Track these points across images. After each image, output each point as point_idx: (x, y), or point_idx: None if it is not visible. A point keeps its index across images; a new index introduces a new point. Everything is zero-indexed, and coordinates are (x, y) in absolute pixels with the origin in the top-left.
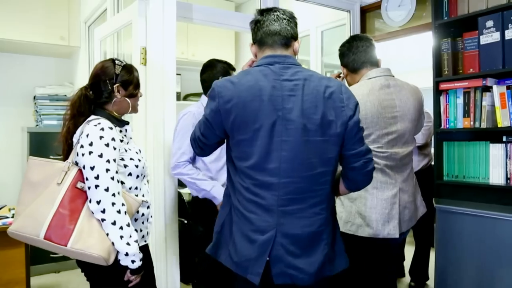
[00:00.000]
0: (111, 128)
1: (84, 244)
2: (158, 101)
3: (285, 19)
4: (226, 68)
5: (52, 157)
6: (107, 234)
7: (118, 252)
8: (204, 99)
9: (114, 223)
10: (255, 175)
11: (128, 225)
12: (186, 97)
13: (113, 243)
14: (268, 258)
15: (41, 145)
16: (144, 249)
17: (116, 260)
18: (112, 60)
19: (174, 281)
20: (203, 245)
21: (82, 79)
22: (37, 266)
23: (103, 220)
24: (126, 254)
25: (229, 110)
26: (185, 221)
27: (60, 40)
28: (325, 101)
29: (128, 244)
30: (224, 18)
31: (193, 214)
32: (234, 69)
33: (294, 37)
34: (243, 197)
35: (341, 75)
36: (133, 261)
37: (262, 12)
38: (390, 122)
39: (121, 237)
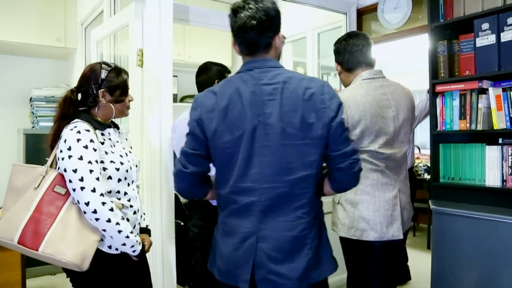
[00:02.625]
0: (88, 131)
1: (55, 249)
2: (155, 103)
3: (261, 21)
4: (221, 71)
5: (47, 158)
6: (104, 230)
7: (98, 255)
8: None
9: (109, 221)
10: (236, 182)
11: (122, 218)
12: (182, 99)
13: (111, 237)
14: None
15: (37, 146)
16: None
17: (99, 266)
18: (100, 64)
19: (171, 283)
20: (197, 246)
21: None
22: (32, 268)
23: (97, 219)
24: (124, 244)
25: (211, 118)
26: (182, 223)
27: (57, 42)
28: (305, 103)
29: (127, 237)
30: (221, 20)
31: (189, 216)
32: (229, 72)
33: (273, 36)
34: (224, 205)
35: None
36: (134, 251)
37: (235, 12)
38: (388, 122)
39: (119, 231)
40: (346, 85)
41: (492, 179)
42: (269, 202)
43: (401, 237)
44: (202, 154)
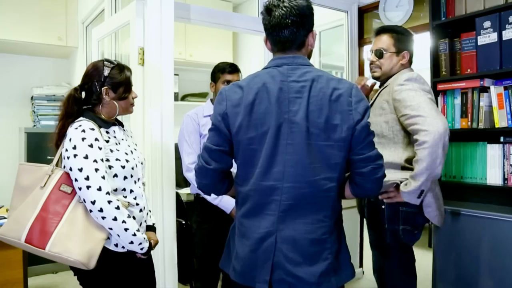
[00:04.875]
0: (92, 129)
1: (61, 247)
2: (156, 102)
3: (295, 21)
4: (214, 72)
5: (50, 157)
6: (110, 229)
7: (105, 253)
8: (208, 100)
9: (115, 219)
10: (258, 180)
11: (128, 216)
12: (183, 98)
13: (118, 235)
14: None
15: (38, 145)
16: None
17: (106, 264)
18: (103, 61)
19: (172, 281)
20: (196, 243)
21: (80, 80)
22: (34, 266)
23: (103, 218)
24: (131, 243)
25: (237, 113)
26: (183, 222)
27: (58, 41)
28: (331, 104)
29: (134, 235)
30: (222, 19)
31: (189, 214)
32: (230, 72)
33: (307, 34)
34: (242, 202)
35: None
36: (141, 248)
37: (269, 10)
38: None
39: (126, 229)
40: (386, 75)
41: (494, 178)
42: (290, 202)
43: None
44: (225, 150)
